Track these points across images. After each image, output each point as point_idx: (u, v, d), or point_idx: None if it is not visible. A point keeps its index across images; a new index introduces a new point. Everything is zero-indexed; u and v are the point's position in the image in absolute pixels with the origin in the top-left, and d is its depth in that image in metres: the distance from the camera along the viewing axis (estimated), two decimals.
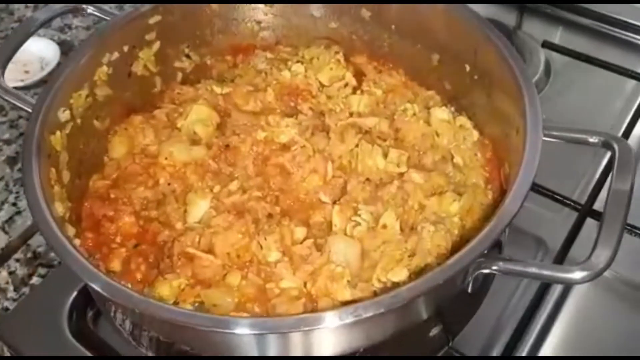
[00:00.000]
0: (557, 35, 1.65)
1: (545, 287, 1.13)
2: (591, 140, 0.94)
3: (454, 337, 1.01)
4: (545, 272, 0.82)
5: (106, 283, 0.82)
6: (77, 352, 1.10)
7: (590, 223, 1.22)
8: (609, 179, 0.90)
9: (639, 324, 1.13)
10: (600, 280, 0.85)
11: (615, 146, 0.91)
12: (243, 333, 0.78)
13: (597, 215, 1.22)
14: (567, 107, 1.45)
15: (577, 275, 0.81)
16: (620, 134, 1.39)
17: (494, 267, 0.85)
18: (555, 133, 0.96)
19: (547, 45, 1.56)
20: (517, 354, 1.07)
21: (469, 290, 0.90)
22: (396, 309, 0.80)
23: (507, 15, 1.68)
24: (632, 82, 1.51)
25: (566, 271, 0.82)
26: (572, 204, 1.25)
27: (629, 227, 1.15)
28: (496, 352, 1.09)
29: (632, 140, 1.35)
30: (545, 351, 1.11)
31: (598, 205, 1.24)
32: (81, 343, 1.11)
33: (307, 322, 0.77)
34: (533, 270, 0.83)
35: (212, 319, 0.80)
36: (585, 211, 1.23)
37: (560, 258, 1.16)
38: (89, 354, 1.10)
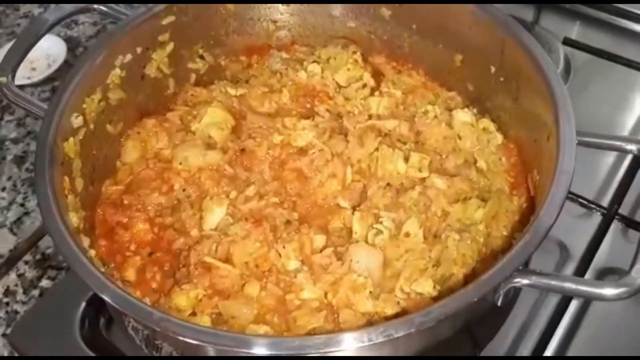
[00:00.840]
0: (575, 31, 1.60)
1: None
2: (628, 147, 0.90)
3: (481, 350, 0.97)
4: (583, 288, 0.78)
5: (135, 306, 0.80)
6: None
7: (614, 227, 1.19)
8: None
9: None
10: None
11: None
12: (267, 354, 0.74)
13: (624, 220, 1.19)
14: (588, 106, 1.39)
15: (615, 291, 0.78)
16: None
17: (526, 282, 0.81)
18: (588, 140, 0.92)
19: (568, 42, 1.51)
20: None
21: (499, 303, 0.87)
22: None
23: (523, 11, 1.63)
24: None
25: (603, 287, 0.78)
26: (597, 207, 1.21)
27: None
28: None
29: None
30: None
31: (623, 210, 1.21)
32: (93, 350, 1.09)
33: (332, 342, 0.73)
34: (569, 285, 0.79)
35: (235, 339, 0.76)
36: (611, 215, 1.20)
37: (586, 263, 1.13)
38: None
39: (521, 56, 1.03)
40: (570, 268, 1.16)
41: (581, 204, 1.21)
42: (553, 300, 1.10)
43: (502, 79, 1.13)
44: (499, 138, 1.18)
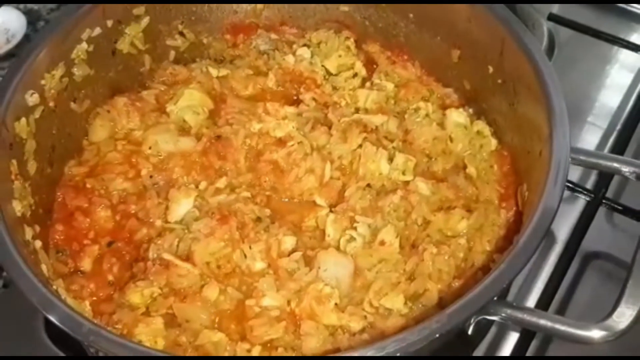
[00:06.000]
0: (557, 6, 1.50)
1: None
2: (624, 170, 0.81)
3: None
4: (558, 327, 0.72)
5: (78, 322, 0.73)
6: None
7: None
8: None
9: None
10: None
11: None
12: None
13: (612, 204, 1.13)
14: (573, 83, 1.32)
15: (595, 334, 0.71)
16: (628, 110, 1.30)
17: (499, 315, 0.74)
18: (582, 158, 0.84)
19: (552, 18, 1.42)
20: None
21: (470, 332, 0.80)
22: None
23: None
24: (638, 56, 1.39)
25: (582, 328, 0.72)
26: (584, 191, 1.15)
27: None
28: None
29: None
30: None
31: (610, 193, 1.15)
32: (60, 348, 1.00)
33: None
34: (545, 323, 0.73)
35: None
36: (599, 200, 1.13)
37: (573, 250, 1.08)
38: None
39: (521, 60, 0.95)
40: (555, 253, 1.12)
41: (568, 187, 1.14)
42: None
43: (499, 81, 1.04)
44: (493, 143, 1.10)
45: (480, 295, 0.71)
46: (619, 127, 1.30)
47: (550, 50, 1.40)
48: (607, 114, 1.34)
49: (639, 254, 0.74)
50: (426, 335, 0.69)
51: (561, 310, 1.06)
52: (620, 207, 1.11)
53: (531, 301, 1.06)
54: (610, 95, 1.37)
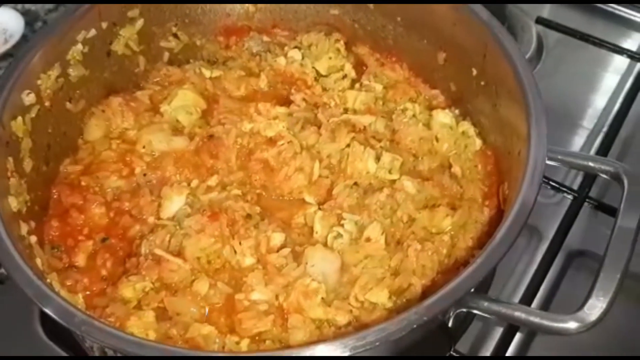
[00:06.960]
0: (547, 9, 1.54)
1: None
2: (598, 169, 0.84)
3: None
4: (533, 319, 0.75)
5: (74, 315, 0.76)
6: (51, 352, 1.02)
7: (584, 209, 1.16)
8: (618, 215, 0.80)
9: None
10: None
11: (625, 180, 0.82)
12: None
13: (595, 203, 1.15)
14: (560, 86, 1.37)
15: (569, 325, 0.74)
16: (614, 112, 1.33)
17: (477, 308, 0.77)
18: (560, 157, 0.87)
19: (541, 21, 1.45)
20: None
21: (449, 324, 0.82)
22: None
23: None
24: (626, 59, 1.42)
25: (555, 320, 0.75)
26: (568, 191, 1.17)
27: None
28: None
29: (628, 120, 1.28)
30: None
31: (593, 192, 1.18)
32: (55, 342, 1.04)
33: None
34: (519, 315, 0.76)
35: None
36: (582, 199, 1.15)
37: (557, 247, 1.10)
38: (63, 353, 1.02)
39: (502, 63, 0.98)
40: (541, 250, 1.14)
41: (552, 187, 1.17)
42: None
43: (483, 83, 1.07)
44: (477, 143, 1.13)
45: (458, 288, 0.74)
46: (604, 128, 1.33)
47: (539, 53, 1.44)
48: (593, 116, 1.38)
49: (610, 248, 0.77)
50: (405, 325, 0.72)
51: (545, 305, 1.09)
52: (598, 205, 1.13)
53: (518, 297, 1.08)
54: (597, 97, 1.41)
